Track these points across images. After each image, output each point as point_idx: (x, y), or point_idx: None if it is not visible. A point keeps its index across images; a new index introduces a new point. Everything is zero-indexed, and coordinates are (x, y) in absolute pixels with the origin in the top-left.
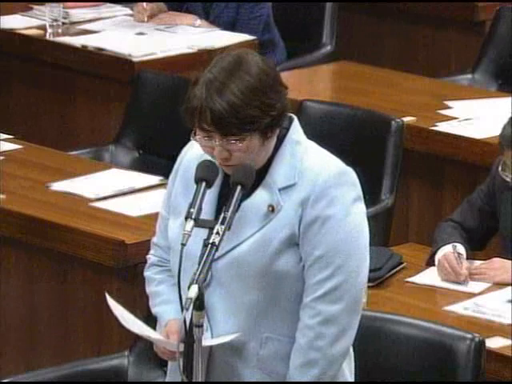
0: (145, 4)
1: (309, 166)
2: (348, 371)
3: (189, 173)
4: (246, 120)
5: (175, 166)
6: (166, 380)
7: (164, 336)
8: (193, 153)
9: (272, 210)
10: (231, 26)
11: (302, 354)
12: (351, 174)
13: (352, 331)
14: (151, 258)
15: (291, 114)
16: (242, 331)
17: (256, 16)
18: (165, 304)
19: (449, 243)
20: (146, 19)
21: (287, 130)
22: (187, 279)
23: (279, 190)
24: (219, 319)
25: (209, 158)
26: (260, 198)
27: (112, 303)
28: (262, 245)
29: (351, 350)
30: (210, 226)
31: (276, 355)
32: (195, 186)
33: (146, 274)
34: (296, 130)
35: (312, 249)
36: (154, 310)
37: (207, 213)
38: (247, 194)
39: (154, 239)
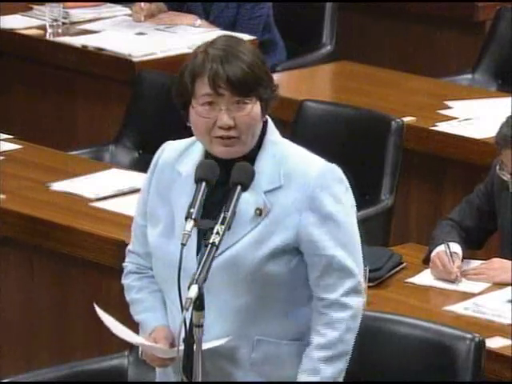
0: (142, 4)
1: (293, 167)
2: None
3: (162, 178)
4: (258, 81)
5: (149, 173)
6: (156, 381)
7: (152, 343)
8: (165, 158)
9: (260, 213)
10: (231, 26)
11: (331, 348)
12: (337, 170)
13: None
14: (128, 265)
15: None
16: (233, 335)
17: (256, 16)
18: (148, 311)
19: (445, 242)
20: (143, 19)
21: (263, 132)
22: (171, 286)
23: (265, 192)
24: (209, 324)
25: (184, 160)
26: (246, 200)
27: (101, 314)
28: (252, 248)
29: None
30: (209, 227)
31: (268, 358)
32: (177, 190)
33: (125, 282)
34: (272, 131)
35: (319, 249)
36: (137, 317)
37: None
38: None
39: (130, 247)
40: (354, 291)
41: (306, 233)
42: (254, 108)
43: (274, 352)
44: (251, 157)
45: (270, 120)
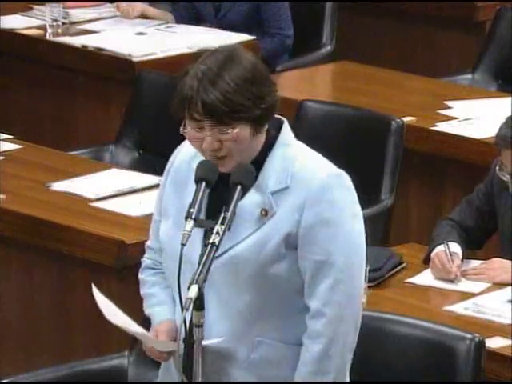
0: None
1: (301, 169)
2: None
3: (179, 175)
4: (237, 109)
5: (166, 169)
6: (158, 380)
7: (153, 335)
8: (183, 155)
9: (265, 214)
10: (240, 24)
11: (315, 363)
12: (345, 177)
13: (357, 331)
14: (146, 260)
15: (281, 117)
16: (234, 335)
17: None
18: (158, 305)
19: (444, 242)
20: (133, 14)
21: (278, 132)
22: (183, 281)
23: (271, 193)
24: (211, 322)
25: (200, 158)
26: (252, 200)
27: (98, 296)
28: (256, 248)
29: None
30: (210, 227)
31: (267, 359)
32: (192, 187)
33: (140, 276)
34: (286, 133)
35: (313, 254)
36: (147, 311)
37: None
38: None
39: (148, 242)
40: (339, 302)
41: (302, 234)
42: (241, 131)
43: (273, 354)
44: (260, 159)
45: (286, 122)
